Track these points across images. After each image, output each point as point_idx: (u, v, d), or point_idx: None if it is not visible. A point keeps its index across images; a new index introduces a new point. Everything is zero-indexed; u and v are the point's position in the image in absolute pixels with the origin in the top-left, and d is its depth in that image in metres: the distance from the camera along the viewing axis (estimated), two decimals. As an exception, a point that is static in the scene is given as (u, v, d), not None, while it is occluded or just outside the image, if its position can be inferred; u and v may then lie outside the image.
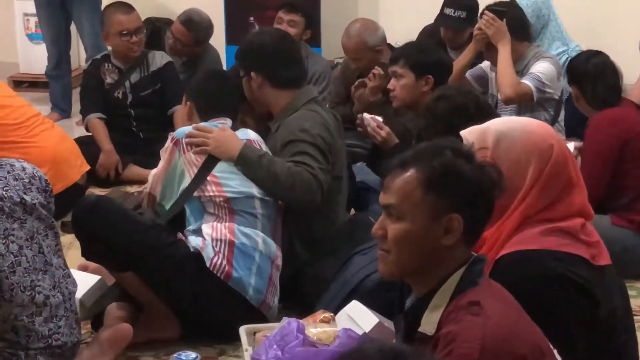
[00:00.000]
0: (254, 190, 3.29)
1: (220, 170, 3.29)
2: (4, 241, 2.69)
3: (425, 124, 3.35)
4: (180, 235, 3.30)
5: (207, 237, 3.21)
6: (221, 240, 3.20)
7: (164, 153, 3.38)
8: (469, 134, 2.37)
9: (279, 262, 3.33)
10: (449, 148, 2.02)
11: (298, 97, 3.55)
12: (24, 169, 2.84)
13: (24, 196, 2.78)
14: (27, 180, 2.82)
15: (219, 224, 3.23)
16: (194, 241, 3.23)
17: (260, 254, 3.25)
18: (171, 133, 3.45)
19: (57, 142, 4.37)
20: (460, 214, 1.97)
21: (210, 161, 3.31)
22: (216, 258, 3.18)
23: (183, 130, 3.40)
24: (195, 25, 5.61)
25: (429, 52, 4.13)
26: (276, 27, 5.20)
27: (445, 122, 3.17)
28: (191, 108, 3.56)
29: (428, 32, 5.44)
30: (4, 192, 2.73)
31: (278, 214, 3.37)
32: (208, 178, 3.26)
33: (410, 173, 2.00)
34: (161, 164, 3.38)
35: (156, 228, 3.26)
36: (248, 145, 3.36)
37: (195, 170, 3.29)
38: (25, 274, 2.74)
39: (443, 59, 4.17)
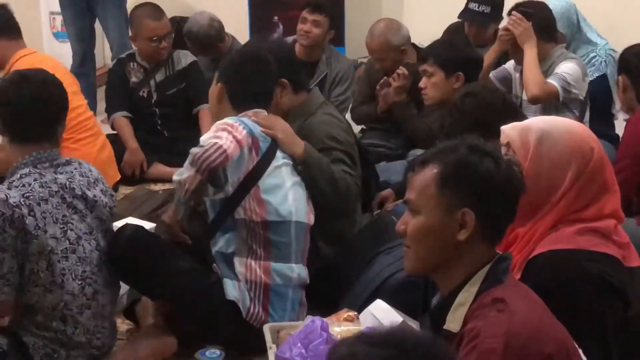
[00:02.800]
0: (292, 210, 3.13)
1: (265, 184, 3.10)
2: (61, 227, 2.78)
3: (451, 121, 3.36)
4: (215, 268, 3.16)
5: (241, 276, 3.09)
6: (256, 283, 3.09)
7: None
8: (511, 129, 2.38)
9: (307, 277, 3.23)
10: (466, 145, 2.06)
11: (310, 101, 3.52)
12: (90, 170, 2.95)
13: (87, 192, 2.88)
14: (92, 180, 2.92)
15: (252, 262, 3.10)
16: (230, 290, 3.09)
17: (293, 289, 3.16)
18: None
19: (98, 152, 4.36)
20: (472, 209, 1.99)
21: (264, 163, 3.11)
22: (252, 308, 3.08)
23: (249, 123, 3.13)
24: (194, 35, 5.60)
25: (458, 49, 4.10)
26: (299, 26, 5.23)
27: (472, 118, 3.18)
28: (222, 91, 3.27)
29: (453, 30, 5.43)
30: (68, 183, 2.83)
31: (307, 234, 3.24)
32: (252, 191, 3.07)
33: (427, 169, 2.05)
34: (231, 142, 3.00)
35: (195, 271, 3.14)
36: (308, 144, 3.27)
37: (242, 176, 3.06)
38: (78, 263, 2.83)
39: (472, 55, 4.14)
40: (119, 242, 3.04)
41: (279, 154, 3.18)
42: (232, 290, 3.10)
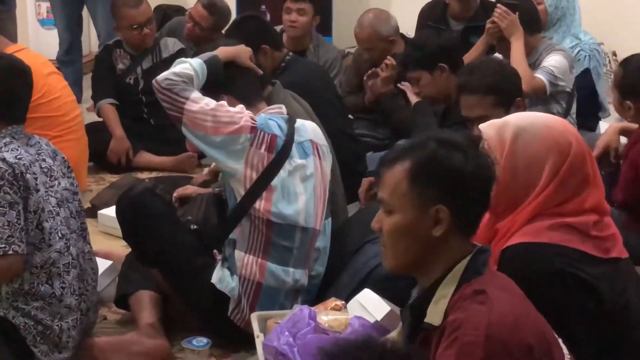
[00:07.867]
0: (300, 218, 3.08)
1: (276, 185, 3.05)
2: (46, 190, 2.86)
3: (469, 79, 3.37)
4: (215, 254, 3.14)
5: (237, 270, 3.04)
6: (249, 280, 3.04)
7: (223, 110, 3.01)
8: (488, 127, 2.38)
9: (305, 282, 3.15)
10: (434, 139, 2.04)
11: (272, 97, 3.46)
12: (48, 144, 3.03)
13: (52, 161, 2.96)
14: (51, 150, 3.01)
15: (250, 258, 3.05)
16: (227, 279, 3.05)
17: (286, 293, 3.09)
18: (252, 117, 3.06)
19: (78, 156, 4.26)
20: (445, 205, 1.98)
21: (278, 161, 3.06)
22: (239, 306, 3.04)
23: (268, 122, 3.07)
24: (218, 10, 5.56)
25: (427, 43, 4.12)
26: (285, 17, 5.22)
27: (493, 81, 3.31)
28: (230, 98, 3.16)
29: (426, 12, 5.44)
30: (38, 156, 2.90)
31: (314, 240, 3.17)
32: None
33: (397, 167, 2.03)
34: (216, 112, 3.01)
35: (192, 247, 3.13)
36: None
37: (254, 175, 3.02)
38: (63, 224, 2.90)
39: (443, 43, 4.13)
40: (125, 200, 3.11)
41: (295, 153, 3.11)
42: (230, 280, 3.06)
